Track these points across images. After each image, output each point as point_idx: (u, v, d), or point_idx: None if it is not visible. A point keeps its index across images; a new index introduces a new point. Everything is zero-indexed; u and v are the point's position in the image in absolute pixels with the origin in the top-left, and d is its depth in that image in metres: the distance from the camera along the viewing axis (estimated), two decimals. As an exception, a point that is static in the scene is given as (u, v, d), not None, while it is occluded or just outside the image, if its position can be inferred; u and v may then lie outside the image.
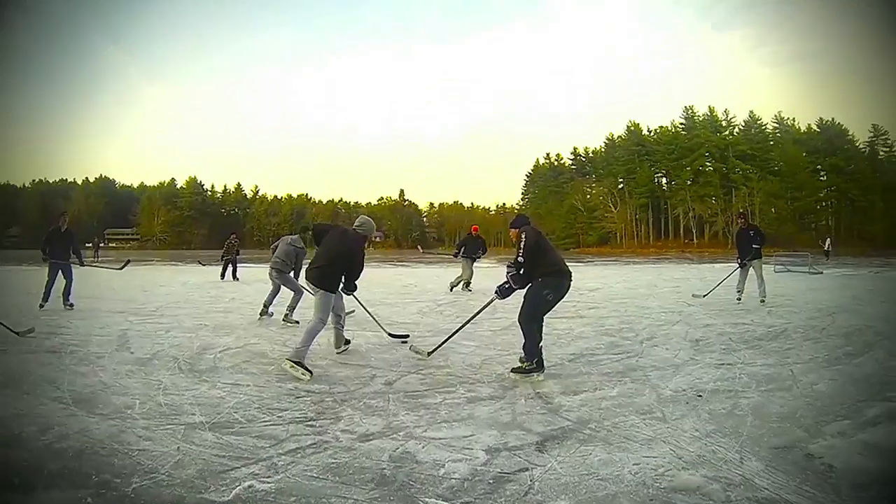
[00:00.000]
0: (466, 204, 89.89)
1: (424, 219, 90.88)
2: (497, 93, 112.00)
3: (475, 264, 9.29)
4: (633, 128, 70.09)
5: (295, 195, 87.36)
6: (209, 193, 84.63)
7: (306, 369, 3.35)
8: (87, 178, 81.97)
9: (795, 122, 63.39)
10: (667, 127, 67.33)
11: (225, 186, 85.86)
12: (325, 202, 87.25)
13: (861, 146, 60.16)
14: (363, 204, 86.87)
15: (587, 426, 2.49)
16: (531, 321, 3.41)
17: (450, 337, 4.07)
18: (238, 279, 11.85)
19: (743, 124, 64.94)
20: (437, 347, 3.99)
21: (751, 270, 7.41)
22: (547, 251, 3.50)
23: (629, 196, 66.78)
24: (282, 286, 5.81)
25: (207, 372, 3.49)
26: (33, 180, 79.79)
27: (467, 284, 9.07)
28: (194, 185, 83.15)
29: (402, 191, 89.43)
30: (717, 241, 57.26)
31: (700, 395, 2.95)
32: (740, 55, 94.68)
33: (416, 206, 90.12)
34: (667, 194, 65.87)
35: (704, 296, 7.79)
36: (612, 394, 3.02)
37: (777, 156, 61.56)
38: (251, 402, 2.84)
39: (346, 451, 2.20)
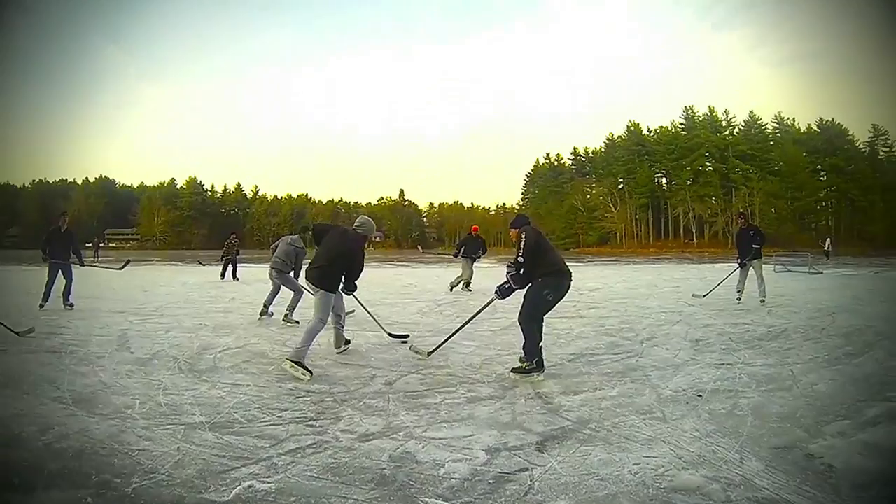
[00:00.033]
0: (466, 204, 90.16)
1: (424, 219, 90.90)
2: (497, 93, 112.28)
3: (475, 264, 9.29)
4: (633, 128, 70.10)
5: (295, 195, 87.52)
6: (209, 193, 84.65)
7: (306, 369, 3.35)
8: (87, 178, 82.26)
9: (795, 122, 63.53)
10: (667, 127, 67.39)
11: (225, 186, 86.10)
12: (325, 202, 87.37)
13: (861, 146, 60.22)
14: (363, 204, 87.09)
15: (587, 426, 2.49)
16: (531, 321, 3.42)
17: (450, 337, 4.07)
18: (238, 279, 11.85)
19: (743, 124, 64.98)
20: (437, 347, 3.99)
21: (751, 270, 7.41)
22: (547, 251, 3.50)
23: (629, 196, 66.77)
24: (282, 286, 5.81)
25: (207, 372, 3.49)
26: (33, 180, 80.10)
27: (467, 284, 9.07)
28: (194, 185, 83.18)
29: (402, 191, 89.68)
30: (717, 241, 57.24)
31: (700, 395, 2.95)
32: (740, 55, 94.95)
33: (416, 206, 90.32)
34: (667, 194, 65.86)
35: (704, 296, 7.80)
36: (612, 394, 3.02)
37: (777, 156, 61.57)
38: (251, 402, 2.84)
39: (346, 451, 2.20)
